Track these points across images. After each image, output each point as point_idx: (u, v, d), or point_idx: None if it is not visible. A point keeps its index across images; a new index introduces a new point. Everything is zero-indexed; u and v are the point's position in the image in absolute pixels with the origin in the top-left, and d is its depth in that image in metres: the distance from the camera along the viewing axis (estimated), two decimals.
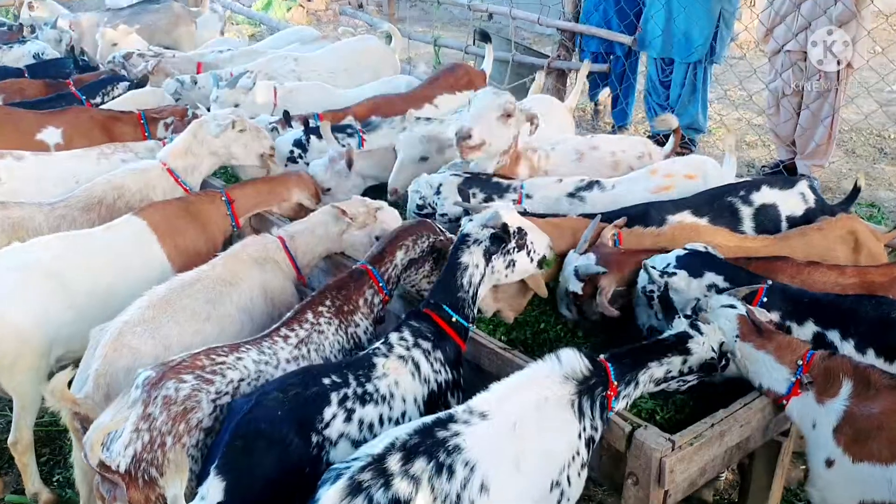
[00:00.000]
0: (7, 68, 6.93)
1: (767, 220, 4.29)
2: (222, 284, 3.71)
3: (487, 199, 4.47)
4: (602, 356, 2.96)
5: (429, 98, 6.39)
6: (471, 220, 3.47)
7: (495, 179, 4.62)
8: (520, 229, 3.45)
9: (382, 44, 7.68)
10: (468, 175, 4.57)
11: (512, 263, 3.45)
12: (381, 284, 3.59)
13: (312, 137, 5.50)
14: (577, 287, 3.73)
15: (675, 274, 3.51)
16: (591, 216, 4.09)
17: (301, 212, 4.87)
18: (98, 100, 6.21)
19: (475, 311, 3.38)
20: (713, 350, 3.08)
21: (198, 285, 3.65)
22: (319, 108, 6.24)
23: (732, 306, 3.23)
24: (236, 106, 5.87)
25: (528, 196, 4.55)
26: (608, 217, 4.12)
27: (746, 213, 4.28)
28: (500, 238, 3.37)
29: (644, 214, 4.16)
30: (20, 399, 3.88)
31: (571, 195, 4.57)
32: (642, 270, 3.59)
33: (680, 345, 3.07)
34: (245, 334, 3.63)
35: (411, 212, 4.58)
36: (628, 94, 8.71)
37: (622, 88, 8.61)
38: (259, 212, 4.79)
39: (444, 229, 3.91)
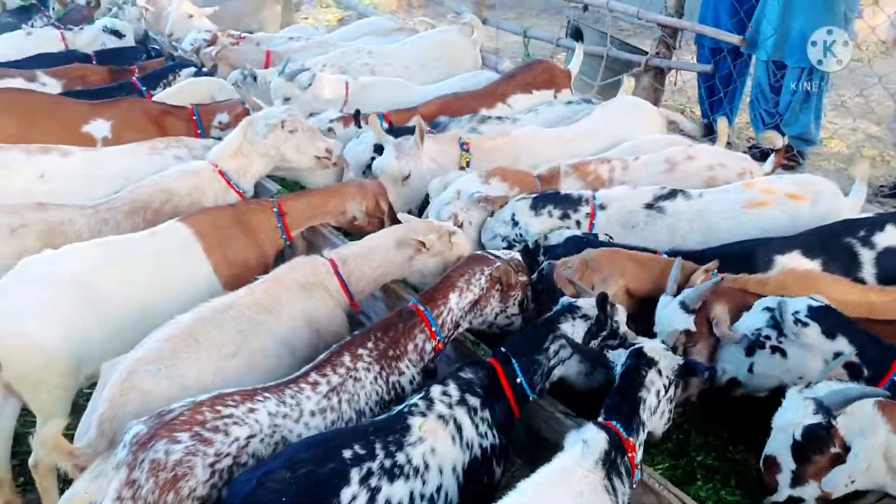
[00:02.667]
0: (74, 53, 6.72)
1: (892, 267, 3.63)
2: (260, 312, 3.32)
3: (563, 217, 4.06)
4: (602, 417, 2.56)
5: (502, 96, 5.92)
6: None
7: (565, 193, 4.17)
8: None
9: (462, 36, 7.19)
10: (535, 195, 4.13)
11: None
12: (434, 329, 3.15)
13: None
14: (688, 323, 3.17)
15: (807, 325, 2.91)
16: (680, 255, 3.54)
17: (366, 224, 4.50)
18: (159, 90, 5.91)
19: (546, 385, 2.96)
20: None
21: (230, 312, 3.26)
22: (396, 106, 5.86)
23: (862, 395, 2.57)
24: (287, 100, 5.51)
25: (601, 207, 4.09)
26: (702, 255, 3.56)
27: (867, 257, 3.64)
28: (601, 322, 3.03)
29: (749, 254, 3.59)
30: (45, 419, 3.56)
31: (650, 206, 4.05)
32: (757, 311, 3.03)
33: (643, 360, 2.68)
34: (283, 369, 3.24)
35: None
36: (734, 99, 7.94)
37: (727, 92, 7.84)
38: (314, 225, 4.42)
39: (499, 254, 3.44)
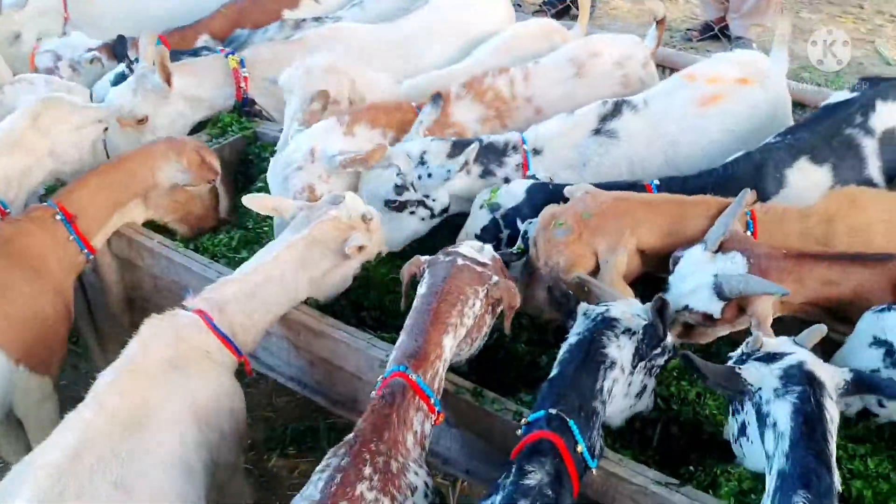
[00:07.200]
0: None
1: (892, 154, 3.00)
2: (124, 435, 2.02)
3: (486, 172, 2.96)
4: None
5: None
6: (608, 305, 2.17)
7: (489, 140, 3.03)
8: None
9: None
10: (451, 141, 2.97)
11: (644, 387, 2.16)
12: (433, 401, 2.03)
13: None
14: (713, 307, 2.29)
15: None
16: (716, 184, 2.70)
17: (188, 200, 3.07)
18: None
19: (601, 444, 2.02)
20: None
21: (86, 459, 1.93)
22: (138, 16, 4.35)
23: None
24: None
25: (535, 152, 3.03)
26: (697, 182, 2.74)
27: (871, 148, 2.94)
28: (659, 335, 2.09)
29: (758, 171, 2.78)
30: None
31: (598, 132, 3.08)
32: (863, 343, 2.17)
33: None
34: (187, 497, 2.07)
35: (386, 198, 2.88)
36: None
37: None
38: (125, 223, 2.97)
39: (469, 253, 2.33)
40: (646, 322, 2.10)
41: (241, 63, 3.51)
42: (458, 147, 2.90)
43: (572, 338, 2.10)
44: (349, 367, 2.45)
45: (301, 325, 2.51)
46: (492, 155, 2.97)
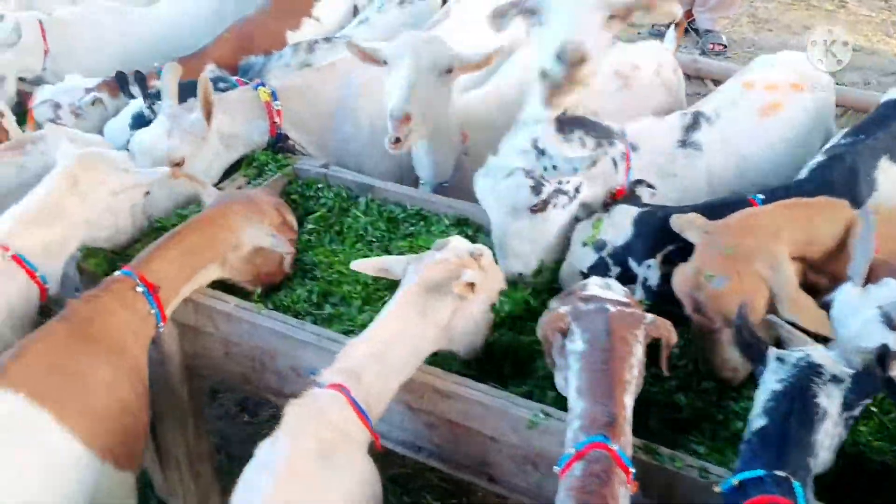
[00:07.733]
0: None
1: None
2: None
3: (598, 146, 2.76)
4: None
5: (306, 7, 4.17)
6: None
7: (592, 119, 2.84)
8: None
9: None
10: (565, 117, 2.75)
11: (841, 441, 1.97)
12: (631, 471, 1.87)
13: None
14: (889, 341, 2.05)
15: None
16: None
17: (264, 260, 2.76)
18: None
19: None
20: None
21: None
22: (119, 48, 4.06)
23: None
24: None
25: (633, 147, 2.89)
26: (800, 194, 2.61)
27: None
28: (875, 385, 1.96)
29: (853, 174, 2.72)
30: None
31: (683, 143, 2.99)
32: None
33: None
34: None
35: (528, 206, 2.59)
36: None
37: None
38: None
39: (597, 292, 2.18)
40: (853, 371, 1.96)
41: (273, 95, 3.25)
42: (563, 123, 2.68)
43: (775, 385, 1.94)
44: (485, 429, 2.25)
45: (424, 385, 2.30)
46: (603, 133, 2.80)
